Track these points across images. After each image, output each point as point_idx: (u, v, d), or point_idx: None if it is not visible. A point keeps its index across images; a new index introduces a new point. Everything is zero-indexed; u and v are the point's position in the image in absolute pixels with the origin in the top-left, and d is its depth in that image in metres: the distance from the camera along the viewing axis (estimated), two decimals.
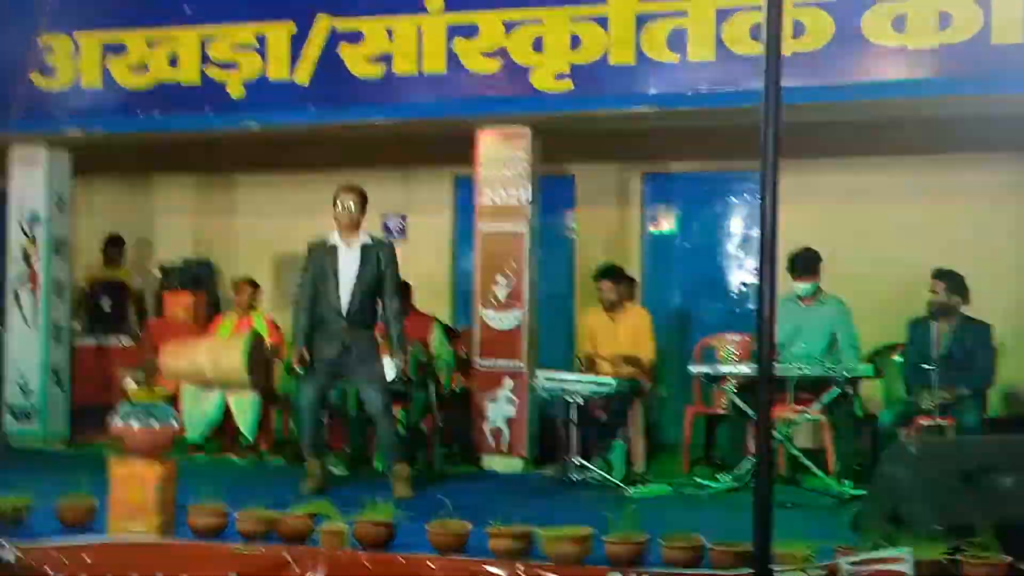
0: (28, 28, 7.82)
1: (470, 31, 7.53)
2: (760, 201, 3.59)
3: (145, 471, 5.25)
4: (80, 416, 8.74)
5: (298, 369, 6.68)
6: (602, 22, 7.28)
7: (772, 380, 3.68)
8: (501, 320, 7.74)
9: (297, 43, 7.85)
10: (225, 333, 8.33)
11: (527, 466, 7.65)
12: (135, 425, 5.29)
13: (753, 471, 5.04)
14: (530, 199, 7.76)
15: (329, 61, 7.77)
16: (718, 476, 6.84)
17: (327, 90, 7.81)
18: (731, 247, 9.03)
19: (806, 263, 7.15)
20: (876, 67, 6.84)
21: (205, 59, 8.06)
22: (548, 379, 7.10)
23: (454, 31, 7.55)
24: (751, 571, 3.90)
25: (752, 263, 8.68)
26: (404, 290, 7.94)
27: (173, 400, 7.26)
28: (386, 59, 7.69)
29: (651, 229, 9.19)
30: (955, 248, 7.69)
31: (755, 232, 7.85)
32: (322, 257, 6.70)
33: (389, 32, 7.68)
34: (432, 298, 8.65)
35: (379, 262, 6.67)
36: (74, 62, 8.31)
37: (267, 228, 9.67)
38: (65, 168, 8.87)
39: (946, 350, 6.71)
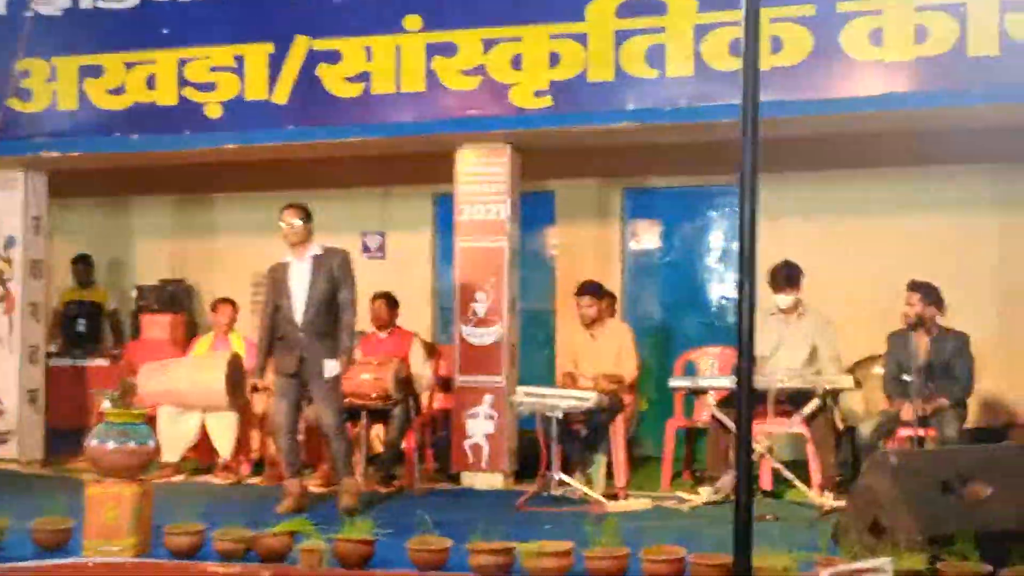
0: (4, 55, 7.83)
1: (449, 49, 7.52)
2: (739, 215, 3.60)
3: (121, 491, 5.21)
4: (56, 437, 8.67)
5: (257, 384, 6.88)
6: (581, 39, 7.29)
7: (752, 393, 3.67)
8: (481, 336, 7.72)
9: (275, 63, 7.84)
10: (203, 353, 8.28)
11: (507, 482, 7.62)
12: (111, 445, 5.25)
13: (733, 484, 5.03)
14: (510, 215, 7.75)
15: (307, 81, 7.76)
16: (699, 489, 6.83)
17: (305, 110, 7.80)
18: (712, 261, 9.04)
19: (787, 276, 7.15)
20: (854, 81, 6.86)
21: (183, 80, 8.05)
22: (528, 395, 7.07)
23: (433, 49, 7.54)
24: None
25: (733, 277, 8.70)
26: (391, 305, 7.95)
27: (150, 420, 7.20)
28: (365, 78, 7.68)
29: (632, 244, 9.20)
30: (934, 260, 7.72)
31: (735, 246, 7.87)
32: (277, 274, 6.77)
33: (368, 51, 7.67)
34: (413, 316, 8.62)
35: (332, 270, 6.68)
36: (51, 85, 8.28)
37: (245, 248, 9.64)
38: (42, 190, 8.81)
39: (925, 361, 6.73)
